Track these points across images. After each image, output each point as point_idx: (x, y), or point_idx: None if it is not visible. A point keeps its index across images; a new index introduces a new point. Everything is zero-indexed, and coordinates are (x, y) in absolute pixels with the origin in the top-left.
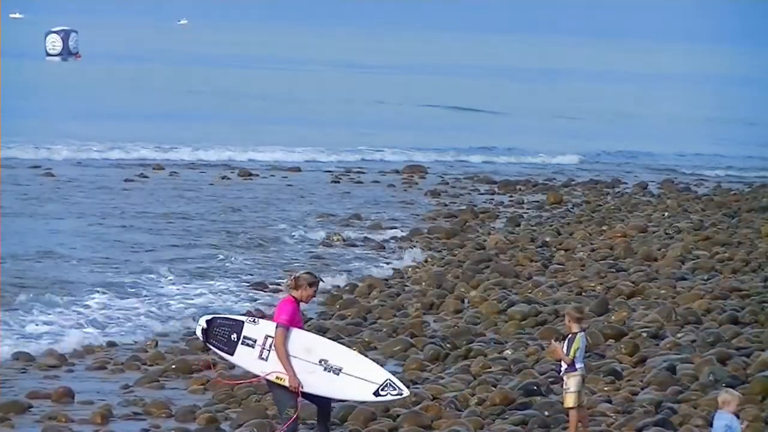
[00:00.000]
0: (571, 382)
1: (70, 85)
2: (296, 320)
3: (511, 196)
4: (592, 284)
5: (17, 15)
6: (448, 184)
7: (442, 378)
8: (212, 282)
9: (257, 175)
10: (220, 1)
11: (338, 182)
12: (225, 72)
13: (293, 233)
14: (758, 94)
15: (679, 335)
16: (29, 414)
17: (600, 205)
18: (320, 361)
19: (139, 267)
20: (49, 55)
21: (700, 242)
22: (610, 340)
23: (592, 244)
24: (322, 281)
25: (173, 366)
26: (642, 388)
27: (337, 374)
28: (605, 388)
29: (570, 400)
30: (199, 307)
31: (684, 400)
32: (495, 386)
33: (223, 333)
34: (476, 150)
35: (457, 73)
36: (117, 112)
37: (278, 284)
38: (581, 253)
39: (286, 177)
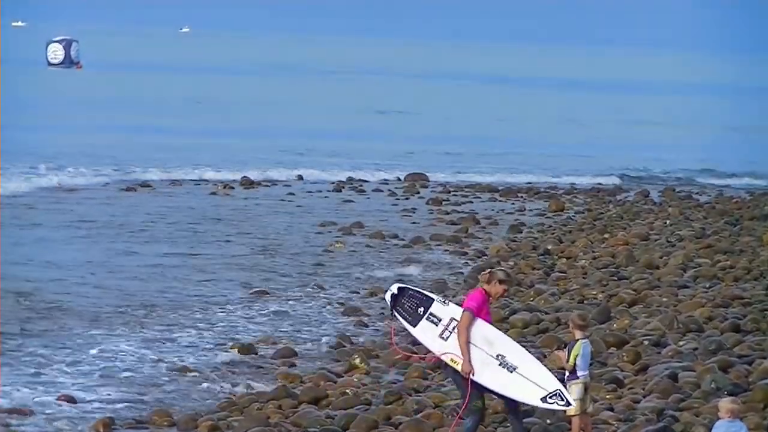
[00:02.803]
0: (573, 390)
1: (93, 96)
2: (483, 312)
3: (513, 204)
4: (594, 292)
5: (20, 23)
6: (449, 192)
7: (444, 386)
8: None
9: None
10: (221, 8)
11: (340, 191)
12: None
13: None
14: None
15: (680, 343)
16: None
17: (602, 213)
18: (497, 356)
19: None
20: (50, 64)
21: (701, 250)
22: (612, 347)
23: (593, 252)
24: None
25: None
26: (644, 396)
27: (511, 372)
28: (607, 396)
29: (571, 408)
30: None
31: (686, 408)
32: None
33: (411, 304)
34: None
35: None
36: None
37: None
38: (583, 261)
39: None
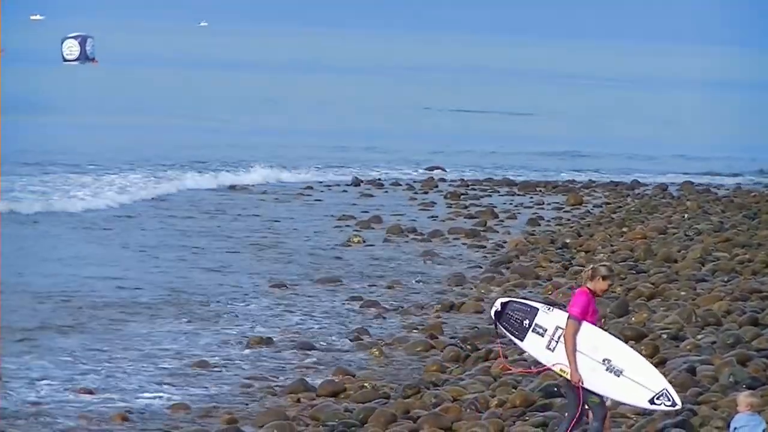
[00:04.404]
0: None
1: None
2: (589, 313)
3: (531, 198)
4: (612, 286)
5: (38, 17)
6: (468, 186)
7: (462, 380)
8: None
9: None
10: (240, 2)
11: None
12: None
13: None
14: None
15: (699, 337)
16: None
17: (620, 207)
18: (604, 360)
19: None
20: (66, 60)
21: (720, 244)
22: (630, 341)
23: (612, 245)
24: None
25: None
26: None
27: (618, 376)
28: None
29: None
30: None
31: (704, 402)
32: (515, 388)
33: (516, 318)
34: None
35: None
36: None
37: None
38: (601, 254)
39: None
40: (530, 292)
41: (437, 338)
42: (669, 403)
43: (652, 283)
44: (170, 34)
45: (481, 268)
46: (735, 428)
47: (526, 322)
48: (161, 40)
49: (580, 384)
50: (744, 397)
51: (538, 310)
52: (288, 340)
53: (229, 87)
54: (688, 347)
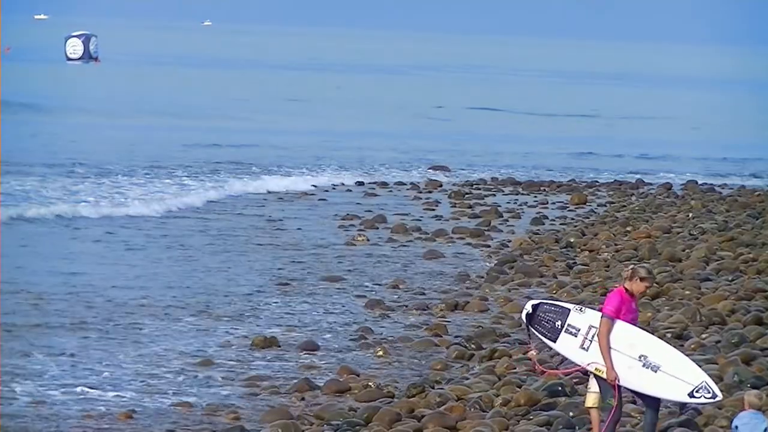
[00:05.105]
0: (593, 383)
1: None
2: (623, 312)
3: (536, 197)
4: (617, 285)
5: (42, 16)
6: (472, 185)
7: (467, 378)
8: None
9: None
10: (244, 2)
11: (362, 184)
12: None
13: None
14: None
15: (703, 336)
16: None
17: (624, 206)
18: (640, 357)
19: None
20: (69, 59)
21: (724, 243)
22: None
23: (616, 244)
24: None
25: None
26: None
27: (655, 371)
28: None
29: (589, 400)
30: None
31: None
32: (520, 387)
33: (548, 319)
34: None
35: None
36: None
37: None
38: (605, 253)
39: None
40: (534, 291)
41: (441, 337)
42: (709, 396)
43: (657, 283)
44: (173, 33)
45: (485, 267)
46: (736, 426)
47: (558, 323)
48: (164, 39)
49: (617, 382)
50: (750, 397)
51: (570, 310)
52: (292, 339)
53: (229, 87)
54: (692, 346)
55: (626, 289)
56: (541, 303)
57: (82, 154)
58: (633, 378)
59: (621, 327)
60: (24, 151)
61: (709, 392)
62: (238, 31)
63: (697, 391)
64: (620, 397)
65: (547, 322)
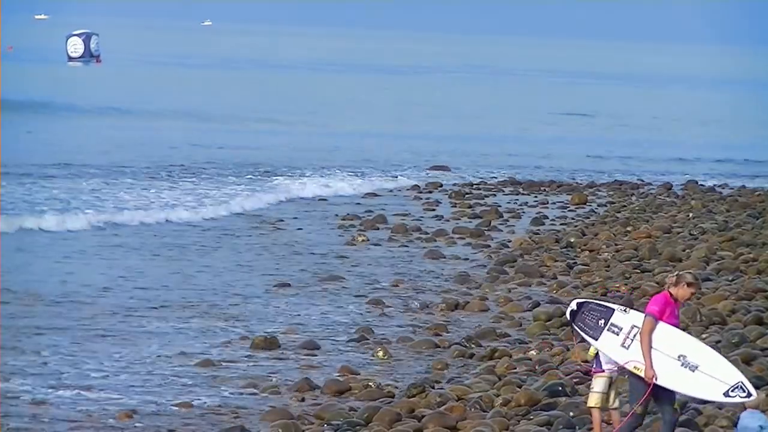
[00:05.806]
0: (597, 383)
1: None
2: (666, 314)
3: (536, 197)
4: (617, 285)
5: (42, 16)
6: (472, 185)
7: (467, 378)
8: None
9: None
10: (244, 1)
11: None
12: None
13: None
14: None
15: (703, 336)
16: None
17: (624, 206)
18: (679, 357)
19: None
20: (70, 58)
21: (724, 243)
22: None
23: (616, 244)
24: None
25: None
26: None
27: (693, 371)
28: None
29: (592, 400)
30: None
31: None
32: (520, 387)
33: (592, 317)
34: None
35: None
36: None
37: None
38: (606, 253)
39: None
40: (534, 291)
41: (442, 336)
42: (744, 395)
43: (657, 283)
44: (173, 33)
45: (485, 267)
46: (737, 425)
47: (602, 321)
48: (164, 39)
49: (654, 380)
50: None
51: (614, 310)
52: (292, 339)
53: (229, 87)
54: None
55: (671, 294)
56: (586, 302)
57: (82, 155)
58: (670, 377)
59: (663, 328)
60: (24, 151)
61: (744, 391)
62: (238, 31)
63: (732, 390)
64: (646, 406)
65: (591, 320)
